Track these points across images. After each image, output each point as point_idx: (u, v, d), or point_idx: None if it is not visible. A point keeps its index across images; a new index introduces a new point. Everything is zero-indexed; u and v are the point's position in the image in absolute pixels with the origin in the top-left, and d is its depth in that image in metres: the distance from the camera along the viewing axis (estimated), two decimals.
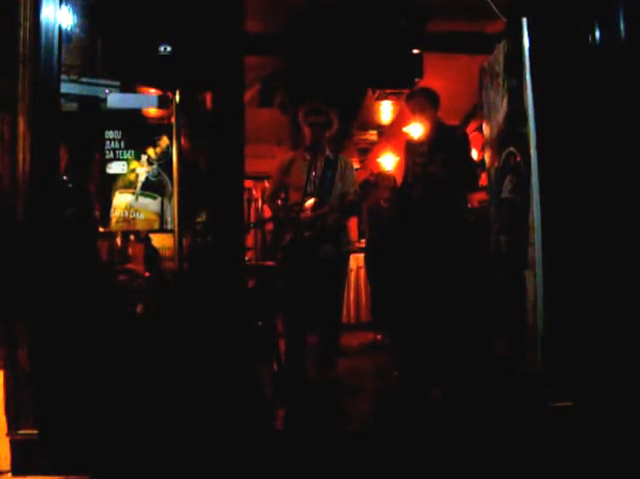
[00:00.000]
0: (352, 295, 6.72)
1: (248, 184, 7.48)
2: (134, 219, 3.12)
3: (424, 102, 4.09)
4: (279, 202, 4.15)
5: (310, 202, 3.79)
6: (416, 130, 4.37)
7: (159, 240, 3.29)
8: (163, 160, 3.12)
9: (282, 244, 3.96)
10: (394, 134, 7.31)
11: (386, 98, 6.06)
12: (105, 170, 3.12)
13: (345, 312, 6.21)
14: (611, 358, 2.82)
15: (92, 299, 2.89)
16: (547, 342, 2.96)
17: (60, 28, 2.83)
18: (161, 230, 3.16)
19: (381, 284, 5.22)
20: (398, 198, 4.50)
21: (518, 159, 3.17)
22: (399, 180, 4.83)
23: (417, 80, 4.82)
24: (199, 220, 3.25)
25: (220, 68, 2.98)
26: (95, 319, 2.85)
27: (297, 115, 4.07)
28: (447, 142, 3.99)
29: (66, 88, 3.03)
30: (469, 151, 4.15)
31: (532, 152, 3.02)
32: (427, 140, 4.09)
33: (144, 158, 3.13)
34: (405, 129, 6.70)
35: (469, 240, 3.92)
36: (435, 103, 4.11)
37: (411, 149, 4.26)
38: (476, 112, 6.48)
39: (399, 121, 6.64)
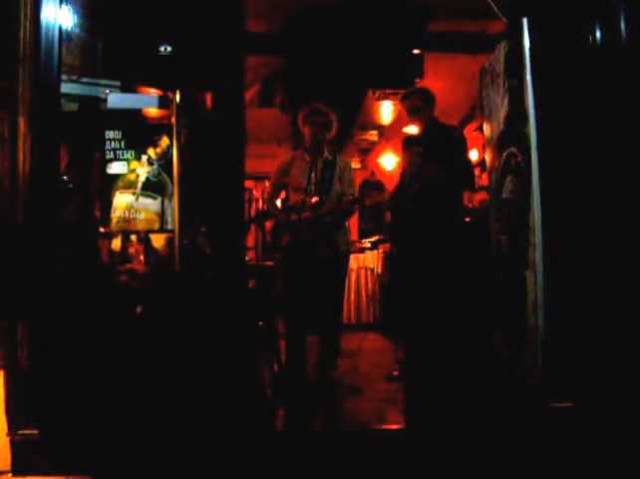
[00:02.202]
0: (352, 296, 6.71)
1: (249, 184, 7.47)
2: (134, 219, 3.11)
3: (419, 102, 4.09)
4: (278, 203, 4.15)
5: (314, 199, 3.78)
6: (415, 130, 4.37)
7: (158, 241, 3.28)
8: (164, 160, 3.11)
9: (282, 245, 3.96)
10: (394, 134, 7.31)
11: (386, 98, 6.06)
12: (105, 170, 3.11)
13: (345, 313, 6.21)
14: (611, 359, 2.81)
15: (92, 299, 2.89)
16: (548, 343, 2.96)
17: (60, 28, 2.84)
18: (162, 230, 3.16)
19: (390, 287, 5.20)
20: (394, 196, 4.49)
21: (519, 159, 3.17)
22: (396, 179, 4.80)
23: (417, 80, 4.82)
24: (200, 220, 3.24)
25: (221, 68, 2.98)
26: (95, 319, 2.85)
27: (297, 116, 4.07)
28: (443, 142, 3.99)
29: (66, 88, 3.02)
30: (466, 150, 4.14)
31: (533, 152, 3.02)
32: (423, 140, 4.09)
33: (144, 158, 3.13)
34: (405, 129, 6.71)
35: (467, 240, 3.91)
36: (430, 103, 4.10)
37: (408, 147, 4.26)
38: (472, 114, 6.48)
39: (399, 121, 6.64)
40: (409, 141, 4.31)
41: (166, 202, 3.11)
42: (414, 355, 4.10)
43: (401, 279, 4.20)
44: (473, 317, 3.78)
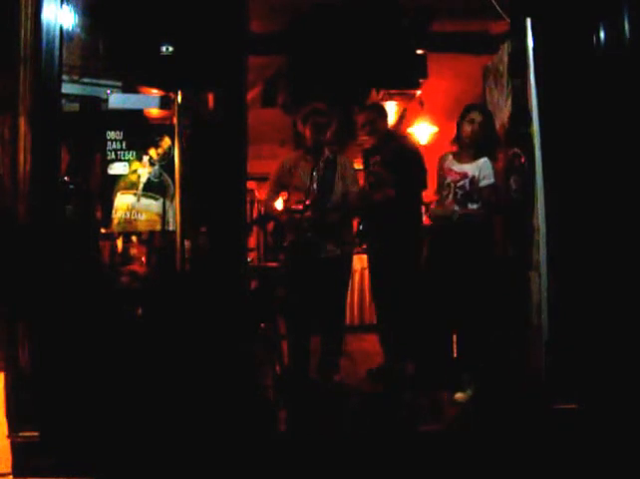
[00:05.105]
0: (355, 297, 6.69)
1: (251, 185, 7.45)
2: (135, 220, 3.10)
3: (373, 115, 4.20)
4: (278, 204, 4.14)
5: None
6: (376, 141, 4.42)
7: (160, 242, 3.27)
8: (165, 160, 3.10)
9: (284, 245, 3.95)
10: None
11: (390, 98, 6.04)
12: (106, 170, 3.10)
13: (348, 314, 6.19)
14: (615, 361, 2.80)
15: (93, 301, 2.89)
16: (552, 344, 2.94)
17: (61, 28, 2.83)
18: (163, 231, 3.15)
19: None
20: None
21: (523, 159, 3.16)
22: None
23: (421, 80, 4.82)
24: (201, 221, 3.23)
25: (223, 68, 2.97)
26: (95, 321, 2.84)
27: (297, 117, 4.07)
28: (398, 151, 4.08)
29: (67, 88, 3.01)
30: (421, 162, 4.14)
31: (537, 152, 3.01)
32: (380, 151, 4.17)
33: (145, 158, 3.12)
34: (409, 129, 6.70)
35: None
36: (384, 117, 4.25)
37: (367, 158, 4.36)
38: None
39: (403, 121, 6.63)
40: (367, 152, 4.41)
41: (168, 202, 3.10)
42: (415, 355, 4.09)
43: (378, 283, 4.27)
44: (475, 318, 3.76)
